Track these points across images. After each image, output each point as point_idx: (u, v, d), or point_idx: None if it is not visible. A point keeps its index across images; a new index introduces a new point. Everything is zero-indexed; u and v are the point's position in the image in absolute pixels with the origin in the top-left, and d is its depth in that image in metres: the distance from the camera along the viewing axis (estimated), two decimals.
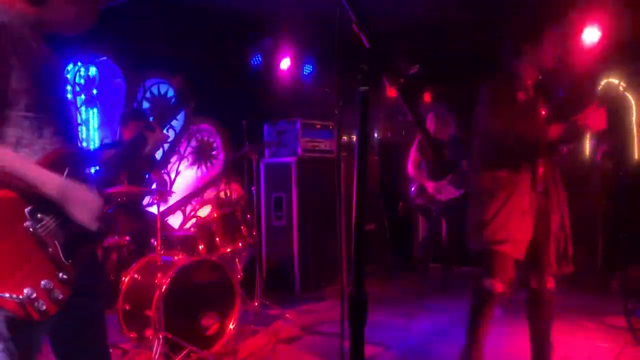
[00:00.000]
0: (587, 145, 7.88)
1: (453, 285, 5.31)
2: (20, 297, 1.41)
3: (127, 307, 3.49)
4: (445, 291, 5.26)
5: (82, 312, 1.67)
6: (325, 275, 5.43)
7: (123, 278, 3.55)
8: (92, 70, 5.31)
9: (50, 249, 1.49)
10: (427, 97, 7.03)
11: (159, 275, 3.29)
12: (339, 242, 2.53)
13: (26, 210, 1.47)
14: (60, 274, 1.51)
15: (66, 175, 1.55)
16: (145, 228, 4.33)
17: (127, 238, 3.87)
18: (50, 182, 1.49)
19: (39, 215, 1.48)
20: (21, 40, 1.52)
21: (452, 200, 5.17)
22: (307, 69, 6.81)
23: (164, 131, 1.98)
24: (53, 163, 1.54)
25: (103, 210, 1.62)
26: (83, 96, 5.23)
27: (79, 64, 5.20)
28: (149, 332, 3.35)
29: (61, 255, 1.52)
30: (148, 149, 1.93)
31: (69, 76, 5.13)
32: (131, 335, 3.50)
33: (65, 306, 1.52)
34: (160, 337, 3.19)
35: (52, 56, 1.66)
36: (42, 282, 1.46)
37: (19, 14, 1.56)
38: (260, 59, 6.47)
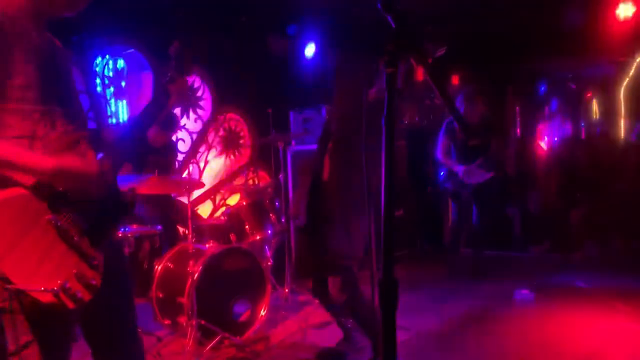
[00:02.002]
0: (622, 126, 7.67)
1: (484, 270, 5.25)
2: (55, 288, 1.43)
3: (161, 295, 3.55)
4: (476, 276, 5.20)
5: (111, 300, 1.70)
6: None
7: (156, 267, 3.61)
8: (120, 63, 5.38)
9: (75, 238, 1.51)
10: (454, 80, 6.92)
11: (190, 263, 3.34)
12: (368, 227, 2.51)
13: (46, 203, 1.48)
14: (89, 261, 1.53)
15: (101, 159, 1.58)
16: (176, 217, 4.39)
17: (159, 227, 3.93)
18: (44, 162, 1.49)
19: (58, 207, 1.50)
20: (23, 34, 1.52)
21: (482, 183, 5.09)
22: (332, 54, 6.75)
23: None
24: (63, 149, 1.56)
25: (105, 178, 1.61)
26: (112, 88, 5.31)
27: (107, 56, 5.27)
28: (182, 319, 3.40)
29: (87, 243, 1.55)
30: (172, 101, 1.90)
31: (97, 69, 5.20)
32: (165, 323, 3.56)
33: (99, 292, 1.54)
34: (194, 324, 3.24)
35: (55, 45, 1.65)
36: (74, 271, 1.49)
37: (18, 7, 1.55)
38: (285, 46, 6.44)
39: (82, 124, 1.67)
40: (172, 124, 4.58)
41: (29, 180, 1.48)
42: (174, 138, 5.11)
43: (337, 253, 2.87)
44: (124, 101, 5.41)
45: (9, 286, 1.39)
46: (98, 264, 1.55)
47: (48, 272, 1.45)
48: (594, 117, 8.18)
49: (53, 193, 1.50)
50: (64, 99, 1.62)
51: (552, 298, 4.40)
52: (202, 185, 4.46)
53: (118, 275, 1.74)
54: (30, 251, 1.44)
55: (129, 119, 1.76)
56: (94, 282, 1.52)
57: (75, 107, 1.67)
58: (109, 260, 1.62)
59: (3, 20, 1.47)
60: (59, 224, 1.49)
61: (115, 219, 1.68)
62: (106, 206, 1.64)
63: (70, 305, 1.46)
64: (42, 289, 1.42)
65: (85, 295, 1.50)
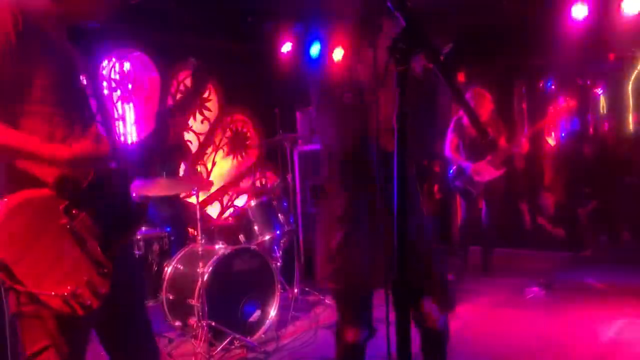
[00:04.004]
0: (631, 120, 7.62)
1: (493, 268, 5.23)
2: (65, 294, 1.43)
3: (171, 297, 3.56)
4: (486, 273, 5.18)
5: (124, 304, 1.70)
6: None
7: (166, 268, 3.62)
8: (127, 66, 5.39)
9: (88, 244, 1.52)
10: (461, 77, 6.89)
11: (200, 264, 3.35)
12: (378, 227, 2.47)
13: (61, 207, 1.48)
14: (100, 268, 1.53)
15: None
16: (185, 219, 4.40)
17: (168, 229, 3.94)
18: (61, 149, 1.49)
19: (74, 212, 1.50)
20: (47, 36, 1.54)
21: (492, 181, 5.07)
22: (338, 53, 6.74)
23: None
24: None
25: (110, 155, 1.60)
26: (119, 91, 5.32)
27: (114, 59, 5.29)
28: (192, 321, 3.41)
29: (99, 250, 1.54)
30: (171, 135, 1.91)
31: (104, 72, 5.22)
32: (175, 324, 3.57)
33: (108, 299, 1.54)
34: (204, 325, 3.25)
35: (73, 50, 1.67)
36: (84, 278, 1.49)
37: (43, 11, 1.57)
38: (290, 46, 6.44)
39: (98, 133, 1.67)
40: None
41: (51, 175, 1.48)
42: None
43: None
44: (131, 104, 5.43)
45: (19, 288, 1.39)
46: (108, 272, 1.55)
47: (59, 277, 1.45)
48: (602, 112, 8.13)
49: (76, 189, 1.50)
50: (80, 103, 1.63)
51: (563, 295, 4.37)
52: (210, 186, 4.47)
53: (131, 281, 1.74)
54: (43, 255, 1.44)
55: (132, 146, 1.78)
56: (103, 291, 1.52)
57: (90, 112, 1.68)
58: (121, 267, 1.62)
59: (29, 21, 1.49)
60: (73, 228, 1.49)
61: (128, 226, 1.68)
62: (120, 213, 1.64)
63: (80, 312, 1.46)
64: (53, 293, 1.42)
65: (94, 303, 1.50)
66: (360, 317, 2.23)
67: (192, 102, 2.05)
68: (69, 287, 1.44)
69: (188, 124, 4.71)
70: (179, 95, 5.44)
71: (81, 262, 1.50)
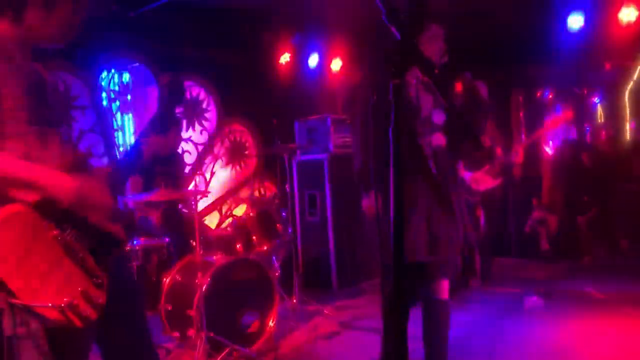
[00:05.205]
0: (628, 128, 7.65)
1: (492, 276, 5.23)
2: (62, 305, 1.42)
3: (169, 308, 3.55)
4: (485, 282, 5.18)
5: (124, 315, 1.70)
6: (363, 270, 5.42)
7: (164, 279, 3.62)
8: (126, 77, 5.42)
9: (80, 255, 1.51)
10: (458, 87, 6.91)
11: (199, 275, 3.34)
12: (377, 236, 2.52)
13: (52, 219, 1.48)
14: (94, 279, 1.53)
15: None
16: (184, 229, 4.40)
17: (167, 240, 3.94)
18: (66, 184, 1.50)
19: (64, 224, 1.50)
20: (11, 59, 1.55)
21: (490, 190, 5.08)
22: (336, 64, 6.78)
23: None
24: (66, 169, 1.56)
25: (118, 211, 1.63)
26: (118, 102, 5.35)
27: (113, 70, 5.31)
28: (191, 332, 3.40)
29: (92, 260, 1.54)
30: (146, 157, 1.92)
31: (103, 83, 5.24)
32: (174, 335, 3.56)
33: (106, 311, 1.53)
34: (203, 336, 3.24)
35: (39, 70, 1.68)
36: (79, 289, 1.48)
37: (5, 36, 1.59)
38: (289, 57, 6.48)
39: (74, 146, 1.69)
40: (173, 128, 4.57)
41: (33, 197, 1.47)
42: (179, 150, 5.13)
43: None
44: (130, 115, 5.45)
45: (15, 302, 1.39)
46: (103, 282, 1.54)
47: (54, 289, 1.44)
48: (599, 120, 8.17)
49: (57, 210, 1.49)
50: (53, 121, 1.64)
51: (562, 304, 4.37)
52: (208, 193, 4.46)
53: (129, 292, 1.74)
54: (36, 267, 1.44)
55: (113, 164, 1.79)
56: (99, 301, 1.51)
57: (64, 129, 1.69)
58: (117, 278, 1.62)
59: None
60: (64, 240, 1.49)
61: (119, 240, 1.68)
62: (108, 226, 1.64)
63: (78, 323, 1.46)
64: (50, 305, 1.41)
65: (92, 314, 1.49)
66: None
67: (165, 119, 2.04)
68: (65, 299, 1.43)
69: (178, 138, 4.70)
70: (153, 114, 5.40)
71: (75, 273, 1.50)
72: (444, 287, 2.64)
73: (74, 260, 1.50)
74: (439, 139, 2.68)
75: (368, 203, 2.71)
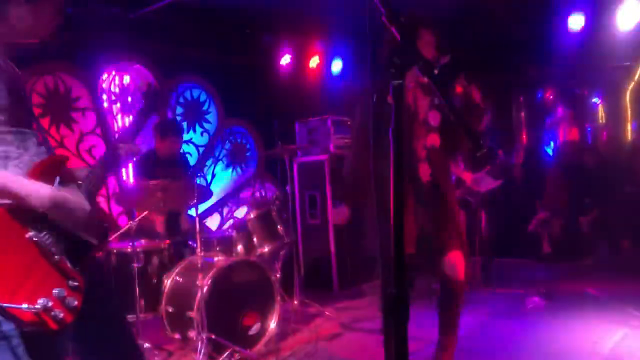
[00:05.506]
0: (629, 129, 7.64)
1: (494, 278, 5.22)
2: (36, 307, 1.40)
3: (170, 310, 3.55)
4: (487, 284, 5.17)
5: (102, 319, 1.68)
6: (363, 271, 5.41)
7: (165, 281, 3.62)
8: (126, 79, 5.42)
9: (56, 257, 1.49)
10: (459, 89, 6.91)
11: (199, 276, 3.34)
12: (377, 237, 2.55)
13: (28, 220, 1.46)
14: (70, 281, 1.50)
15: (57, 184, 1.54)
16: (184, 231, 4.40)
17: (167, 241, 3.93)
18: (39, 193, 1.47)
19: (40, 225, 1.48)
20: None
21: (491, 191, 5.08)
22: (336, 65, 6.78)
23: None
24: (43, 173, 1.53)
25: (94, 218, 1.60)
26: (118, 104, 5.35)
27: (113, 72, 5.32)
28: (192, 334, 3.40)
29: (68, 263, 1.52)
30: (122, 162, 1.91)
31: (104, 85, 5.25)
32: (175, 337, 3.55)
33: (82, 314, 1.51)
34: (204, 338, 3.24)
35: (16, 71, 1.67)
36: (54, 291, 1.46)
37: None
38: (289, 58, 6.48)
39: (49, 147, 1.68)
40: (174, 131, 4.57)
41: (7, 201, 1.46)
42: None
43: None
44: (131, 117, 5.45)
45: None
46: (79, 285, 1.52)
47: (29, 291, 1.42)
48: (601, 121, 8.15)
49: (33, 213, 1.47)
50: (30, 122, 1.63)
51: (563, 305, 4.36)
52: (211, 194, 4.46)
53: (107, 296, 1.72)
54: (10, 268, 1.41)
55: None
56: (75, 304, 1.49)
57: (40, 131, 1.68)
58: (95, 282, 1.59)
59: None
60: (39, 241, 1.47)
61: (96, 243, 1.64)
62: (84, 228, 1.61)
63: (53, 325, 1.43)
64: (25, 306, 1.39)
65: (67, 317, 1.46)
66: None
67: (140, 126, 2.03)
68: (39, 301, 1.41)
69: (179, 141, 4.70)
70: (128, 121, 5.38)
71: (50, 274, 1.48)
72: None
73: (50, 262, 1.48)
74: (433, 139, 2.81)
75: (338, 212, 3.04)
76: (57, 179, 1.56)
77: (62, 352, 1.60)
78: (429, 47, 2.82)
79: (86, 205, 1.58)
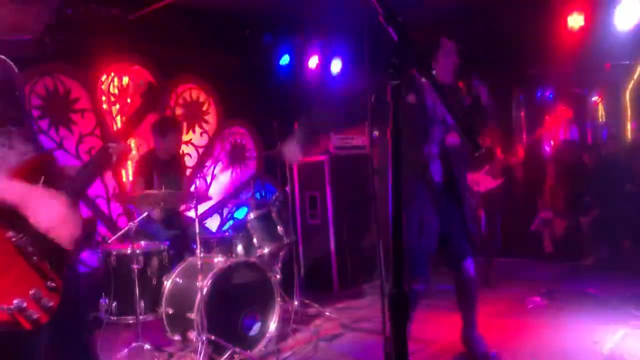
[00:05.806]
0: (629, 128, 7.63)
1: (494, 278, 5.21)
2: (10, 307, 1.39)
3: (170, 311, 3.55)
4: (487, 284, 5.16)
5: (68, 322, 1.65)
6: (363, 271, 5.41)
7: (165, 282, 3.61)
8: (126, 80, 5.42)
9: (34, 258, 1.48)
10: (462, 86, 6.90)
11: (199, 278, 3.34)
12: (376, 238, 2.55)
13: (7, 221, 1.45)
14: (49, 282, 1.49)
15: (42, 183, 1.53)
16: (184, 232, 4.40)
17: (167, 243, 3.93)
18: (10, 189, 1.46)
19: (20, 226, 1.47)
20: None
21: (490, 191, 5.07)
22: (336, 65, 6.77)
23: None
24: (28, 173, 1.53)
25: (72, 219, 1.56)
26: (118, 105, 5.34)
27: (112, 74, 5.31)
28: (192, 335, 3.39)
29: (46, 264, 1.51)
30: (112, 163, 1.89)
31: (103, 86, 5.24)
32: (175, 338, 3.55)
33: (56, 315, 1.49)
34: (204, 339, 3.23)
35: (8, 66, 1.64)
36: (31, 291, 1.45)
37: None
38: (288, 59, 6.48)
39: (38, 146, 1.66)
40: (174, 127, 4.58)
41: None
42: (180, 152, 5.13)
43: None
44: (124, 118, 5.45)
45: None
46: (57, 287, 1.51)
47: (5, 290, 1.41)
48: (601, 120, 8.15)
49: (12, 214, 1.46)
50: (18, 120, 1.61)
51: (564, 304, 4.36)
52: (210, 199, 4.46)
53: (76, 298, 1.68)
54: None
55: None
56: (50, 304, 1.48)
57: (29, 129, 1.66)
58: (70, 283, 1.58)
59: None
60: (19, 242, 1.46)
61: (74, 245, 1.61)
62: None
63: (27, 326, 1.42)
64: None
65: (42, 317, 1.45)
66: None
67: (135, 126, 2.00)
68: (14, 301, 1.40)
69: (179, 140, 4.71)
70: (122, 122, 5.37)
71: (28, 274, 1.47)
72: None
73: (29, 263, 1.47)
74: (453, 138, 2.86)
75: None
76: (42, 178, 1.54)
77: (38, 353, 1.57)
78: (450, 54, 2.93)
79: (62, 205, 1.53)
